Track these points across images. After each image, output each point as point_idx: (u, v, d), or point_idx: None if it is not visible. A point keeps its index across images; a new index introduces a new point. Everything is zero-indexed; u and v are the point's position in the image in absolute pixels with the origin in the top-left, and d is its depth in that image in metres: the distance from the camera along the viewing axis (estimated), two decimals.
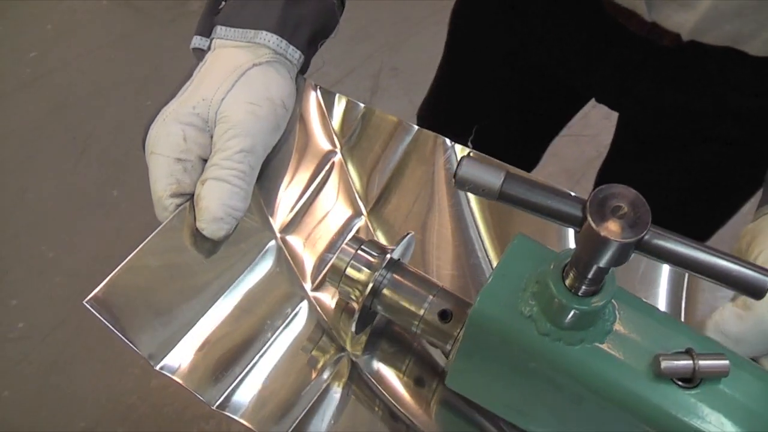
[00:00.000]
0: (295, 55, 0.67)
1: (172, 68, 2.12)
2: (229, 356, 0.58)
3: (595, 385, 0.49)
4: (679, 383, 0.49)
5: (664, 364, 0.48)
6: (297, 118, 0.70)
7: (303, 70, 0.71)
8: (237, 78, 0.63)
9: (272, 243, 0.65)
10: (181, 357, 0.57)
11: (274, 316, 0.62)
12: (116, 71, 2.12)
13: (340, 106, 0.73)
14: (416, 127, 0.72)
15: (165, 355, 0.57)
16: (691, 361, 0.48)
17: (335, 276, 0.60)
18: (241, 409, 0.56)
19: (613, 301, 0.50)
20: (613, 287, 0.48)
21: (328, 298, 0.65)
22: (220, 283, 0.61)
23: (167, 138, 0.61)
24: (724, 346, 0.51)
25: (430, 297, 0.59)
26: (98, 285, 0.57)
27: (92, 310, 0.56)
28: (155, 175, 0.61)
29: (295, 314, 0.63)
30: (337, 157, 0.70)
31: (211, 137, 0.63)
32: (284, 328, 0.62)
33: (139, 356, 0.56)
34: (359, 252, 0.60)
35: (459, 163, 0.44)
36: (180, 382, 0.56)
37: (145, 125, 0.63)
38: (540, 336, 0.50)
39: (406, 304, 0.59)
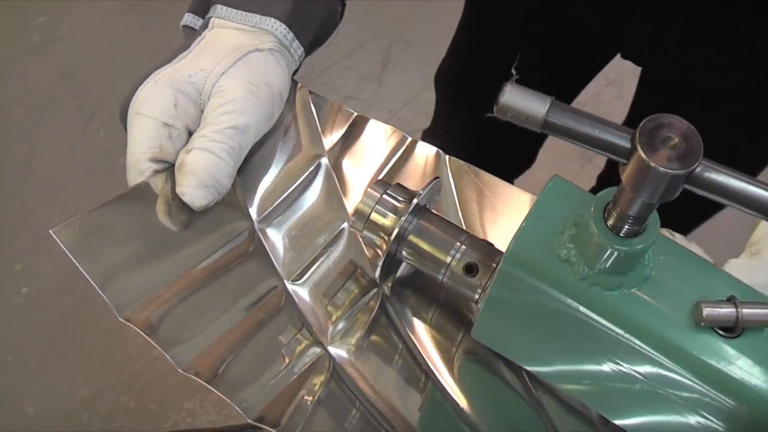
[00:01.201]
0: (299, 51, 0.64)
1: (182, 37, 2.09)
2: (200, 320, 0.55)
3: (633, 333, 0.47)
4: (720, 332, 0.47)
5: (706, 311, 0.46)
6: (285, 119, 0.67)
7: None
8: (239, 57, 0.60)
9: (249, 230, 0.62)
10: (150, 312, 0.54)
11: (247, 297, 0.58)
12: (126, 39, 2.10)
13: (331, 111, 0.69)
14: (409, 137, 0.68)
15: (133, 308, 0.53)
16: (734, 309, 0.46)
17: (359, 221, 0.58)
18: (208, 376, 0.52)
19: (658, 241, 0.48)
20: (657, 229, 0.46)
21: (305, 292, 0.61)
22: (193, 252, 0.58)
23: (157, 100, 0.57)
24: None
25: (458, 244, 0.57)
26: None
27: (57, 240, 0.53)
28: (137, 136, 0.57)
29: (270, 302, 0.59)
30: (324, 160, 0.67)
31: (202, 112, 0.59)
32: (259, 311, 0.58)
33: None
34: (384, 196, 0.58)
35: (502, 90, 0.42)
36: (147, 337, 0.52)
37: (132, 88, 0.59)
38: (577, 280, 0.48)
39: (433, 252, 0.57)
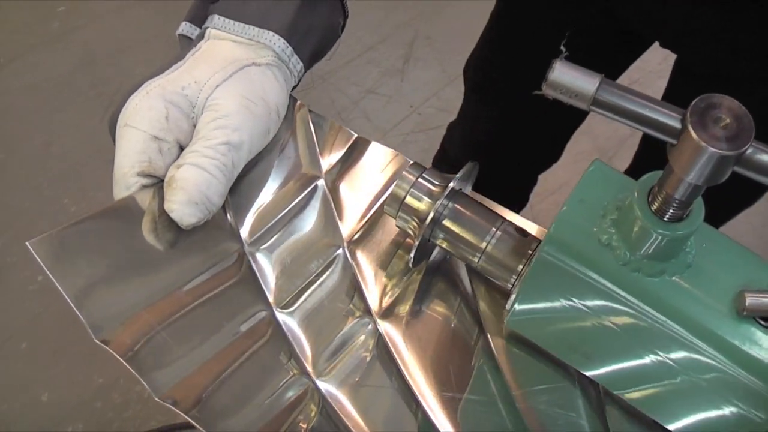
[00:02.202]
0: (297, 66, 0.61)
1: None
2: (182, 345, 0.51)
3: (674, 320, 0.47)
4: (762, 322, 0.46)
5: (749, 300, 0.45)
6: (282, 137, 0.63)
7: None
8: (235, 70, 0.57)
9: (238, 253, 0.58)
10: (129, 335, 0.49)
11: (233, 322, 0.54)
12: (145, 28, 2.09)
13: (331, 131, 0.66)
14: (411, 160, 0.64)
15: (111, 329, 0.48)
16: None
17: (393, 204, 0.58)
18: (188, 406, 0.48)
19: (697, 231, 0.47)
20: (701, 214, 0.45)
21: (294, 322, 0.57)
22: (178, 272, 0.53)
23: (148, 112, 0.54)
24: None
25: (494, 229, 0.56)
26: None
27: (33, 252, 0.48)
28: (125, 149, 0.54)
29: (257, 330, 0.55)
30: (321, 182, 0.64)
31: (194, 126, 0.56)
32: (245, 339, 0.54)
33: None
34: (420, 180, 0.57)
35: (551, 67, 0.41)
36: (122, 361, 0.47)
37: (124, 96, 0.56)
38: (619, 266, 0.47)
39: (468, 236, 0.57)
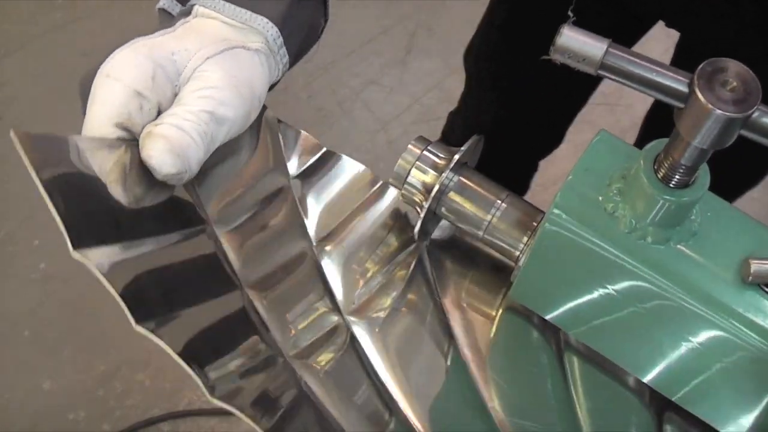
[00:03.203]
0: (284, 59, 0.57)
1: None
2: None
3: (679, 287, 0.47)
4: (767, 290, 0.46)
5: (755, 267, 0.45)
6: (247, 143, 0.60)
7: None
8: (226, 48, 0.54)
9: (204, 229, 0.54)
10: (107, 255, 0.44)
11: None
12: (146, 19, 2.09)
13: (300, 141, 0.64)
14: (381, 181, 0.64)
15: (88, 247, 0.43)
16: None
17: (399, 177, 0.58)
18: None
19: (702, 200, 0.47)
20: (707, 181, 0.45)
21: (269, 307, 0.54)
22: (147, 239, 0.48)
23: (134, 68, 0.50)
24: None
25: (499, 202, 0.57)
26: None
27: (15, 141, 0.43)
28: (104, 99, 0.50)
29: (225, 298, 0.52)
30: (289, 188, 0.62)
31: (175, 95, 0.52)
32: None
33: None
34: (425, 153, 0.58)
35: (559, 31, 0.41)
36: (102, 280, 0.42)
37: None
38: (624, 233, 0.47)
39: (473, 209, 0.57)
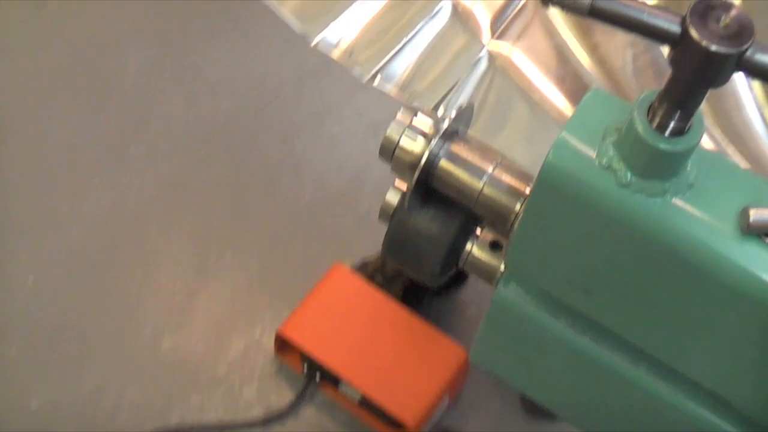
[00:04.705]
0: None
1: (196, 18, 2.07)
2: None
3: (677, 242, 0.46)
4: None
5: (754, 216, 0.44)
6: None
7: None
8: None
9: None
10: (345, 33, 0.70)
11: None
12: (139, 19, 2.08)
13: None
14: None
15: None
16: None
17: (387, 148, 0.57)
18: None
19: (697, 153, 0.46)
20: (702, 128, 0.44)
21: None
22: None
23: None
24: None
25: (490, 169, 0.56)
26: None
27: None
28: None
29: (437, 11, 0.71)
30: None
31: None
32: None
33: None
34: (413, 123, 0.57)
35: None
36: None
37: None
38: (620, 187, 0.46)
39: (464, 177, 0.56)
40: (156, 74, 2.00)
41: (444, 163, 0.56)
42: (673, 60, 0.40)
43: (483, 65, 0.64)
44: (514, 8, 0.67)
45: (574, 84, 0.65)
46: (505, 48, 0.64)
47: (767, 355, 0.47)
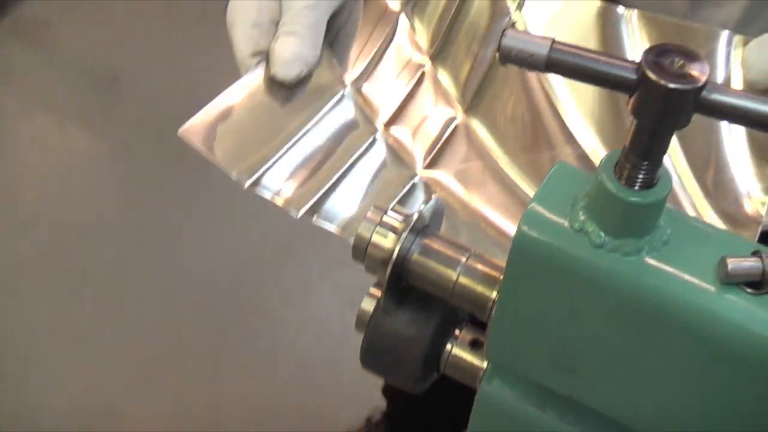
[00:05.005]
0: None
1: (172, 206, 2.12)
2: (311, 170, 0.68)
3: (657, 300, 0.45)
4: (748, 290, 0.44)
5: (731, 265, 0.44)
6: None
7: None
8: None
9: (344, 91, 0.74)
10: (278, 179, 0.67)
11: (351, 148, 0.71)
12: (116, 210, 2.11)
13: None
14: None
15: (256, 175, 0.66)
16: (760, 263, 0.44)
17: (360, 247, 0.57)
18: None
19: (668, 213, 0.46)
20: (670, 180, 0.44)
21: (406, 133, 0.74)
22: (297, 122, 0.70)
23: (242, 9, 0.70)
24: None
25: (464, 259, 0.55)
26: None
27: (185, 138, 0.65)
28: (236, 41, 0.70)
29: (370, 144, 0.72)
30: (401, 16, 0.79)
31: (280, 3, 0.70)
32: (360, 157, 0.70)
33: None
34: (383, 220, 0.57)
35: (502, 35, 0.42)
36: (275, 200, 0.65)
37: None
38: (594, 248, 0.46)
39: (438, 269, 0.55)
40: (131, 257, 2.03)
41: (417, 257, 0.55)
42: (634, 107, 0.41)
43: (420, 192, 0.67)
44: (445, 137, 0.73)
45: (507, 199, 0.68)
46: (437, 174, 0.69)
47: (762, 410, 0.45)
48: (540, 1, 0.75)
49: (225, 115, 0.69)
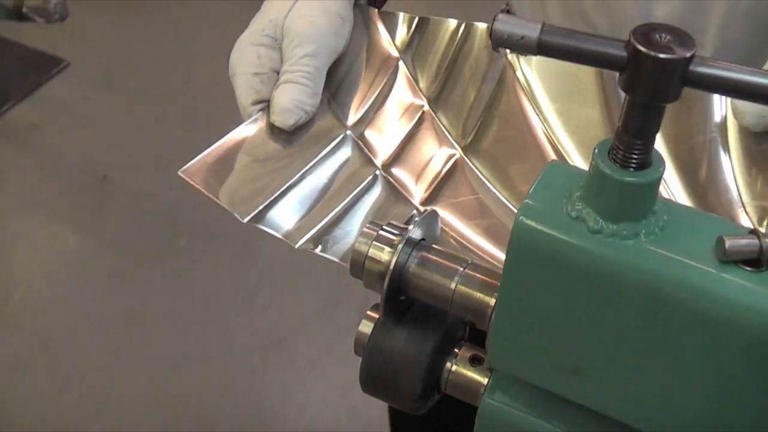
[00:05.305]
0: None
1: (159, 303, 2.12)
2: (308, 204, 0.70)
3: (657, 283, 0.45)
4: (747, 268, 0.44)
5: (729, 243, 0.44)
6: (364, 42, 0.83)
7: (378, 4, 0.85)
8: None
9: (344, 134, 0.77)
10: (279, 215, 0.69)
11: (350, 186, 0.73)
12: (104, 307, 2.10)
13: (402, 23, 0.84)
14: (465, 23, 0.82)
15: (257, 210, 0.68)
16: (757, 240, 0.44)
17: (357, 262, 0.57)
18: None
19: (663, 202, 0.47)
20: (662, 162, 0.45)
21: (406, 173, 0.75)
22: (298, 164, 0.73)
23: (244, 58, 0.74)
24: None
25: (461, 268, 0.55)
26: None
27: (185, 177, 0.67)
28: (239, 90, 0.73)
29: (370, 182, 0.74)
30: (400, 62, 0.82)
31: (281, 53, 0.74)
32: (359, 194, 0.73)
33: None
34: (380, 233, 0.57)
35: (494, 19, 0.43)
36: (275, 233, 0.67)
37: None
38: (592, 234, 0.46)
39: (436, 279, 0.55)
40: (118, 355, 2.01)
41: (414, 268, 0.56)
42: (625, 82, 0.42)
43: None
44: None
45: (506, 231, 0.69)
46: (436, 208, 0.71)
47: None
48: None
49: (225, 157, 0.71)
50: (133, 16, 3.07)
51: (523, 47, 0.43)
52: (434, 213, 0.60)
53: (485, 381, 0.57)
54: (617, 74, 0.43)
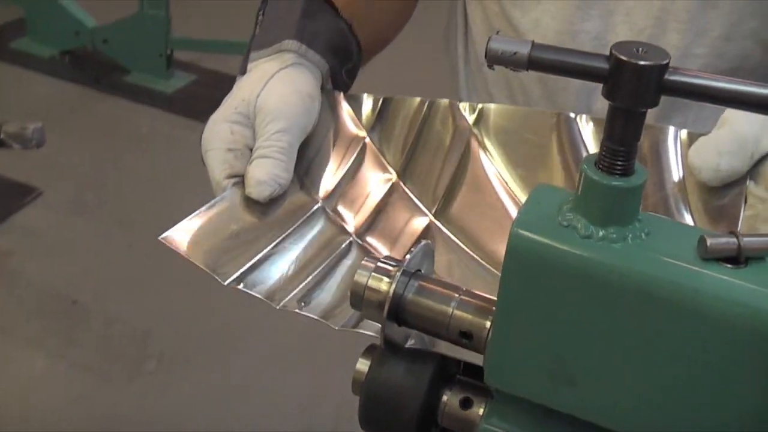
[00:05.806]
0: (315, 58, 0.81)
1: (128, 426, 2.08)
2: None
3: (645, 282, 0.48)
4: (728, 266, 0.48)
5: (710, 242, 0.48)
6: (332, 124, 0.85)
7: (343, 88, 0.87)
8: (268, 79, 0.77)
9: (318, 207, 0.79)
10: (259, 278, 0.70)
11: (326, 252, 0.75)
12: (73, 428, 2.06)
13: (366, 104, 0.87)
14: (426, 101, 0.86)
15: (237, 273, 0.70)
16: (735, 239, 0.48)
17: (357, 293, 0.59)
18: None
19: (646, 215, 0.51)
20: (645, 170, 0.49)
21: (378, 241, 0.78)
22: (275, 233, 0.74)
23: (217, 134, 0.76)
24: None
25: (457, 295, 0.58)
26: None
27: (166, 243, 0.69)
28: (212, 165, 0.75)
29: (345, 248, 0.76)
30: (368, 140, 0.85)
31: (254, 131, 0.76)
32: (336, 258, 0.76)
33: None
34: (378, 264, 0.60)
35: (489, 40, 0.48)
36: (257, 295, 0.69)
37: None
38: (582, 239, 0.49)
39: (433, 305, 0.58)
40: None
41: (412, 297, 0.58)
42: (608, 91, 0.46)
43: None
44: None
45: (480, 282, 0.76)
46: None
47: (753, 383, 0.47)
48: (497, 119, 0.84)
49: (204, 225, 0.73)
50: (106, 143, 3.14)
51: (516, 62, 0.48)
52: (429, 245, 0.63)
53: (480, 412, 0.58)
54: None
